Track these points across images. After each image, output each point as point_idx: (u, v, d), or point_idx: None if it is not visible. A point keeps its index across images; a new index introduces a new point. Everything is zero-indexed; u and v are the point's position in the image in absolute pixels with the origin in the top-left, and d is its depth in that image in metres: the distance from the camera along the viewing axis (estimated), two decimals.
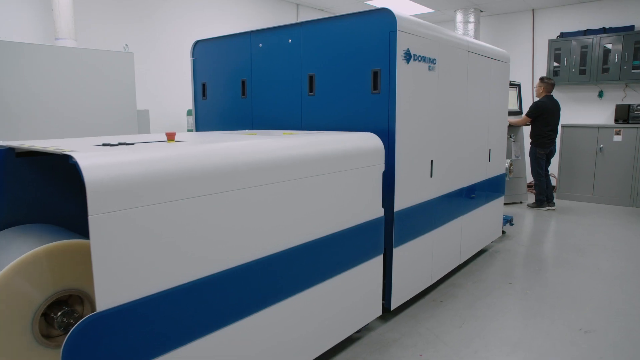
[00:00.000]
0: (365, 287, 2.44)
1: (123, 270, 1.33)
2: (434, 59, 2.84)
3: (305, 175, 1.98)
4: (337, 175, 2.16)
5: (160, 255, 1.43)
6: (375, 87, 2.58)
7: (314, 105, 2.89)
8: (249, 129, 3.33)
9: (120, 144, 1.73)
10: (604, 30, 6.68)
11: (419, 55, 2.68)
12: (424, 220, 2.92)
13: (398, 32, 2.47)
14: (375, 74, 2.57)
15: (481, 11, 7.37)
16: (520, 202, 6.46)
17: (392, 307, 2.71)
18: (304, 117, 2.96)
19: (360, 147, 2.32)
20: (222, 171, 1.61)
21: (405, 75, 2.58)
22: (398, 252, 2.68)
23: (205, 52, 3.60)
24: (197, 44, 3.66)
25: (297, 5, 7.15)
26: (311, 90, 2.88)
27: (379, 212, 2.46)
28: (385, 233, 2.60)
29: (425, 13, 7.62)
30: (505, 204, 6.28)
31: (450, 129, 3.16)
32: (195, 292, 1.54)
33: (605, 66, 6.63)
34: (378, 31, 2.53)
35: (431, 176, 2.94)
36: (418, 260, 2.91)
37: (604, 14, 6.83)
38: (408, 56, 2.58)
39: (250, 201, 1.71)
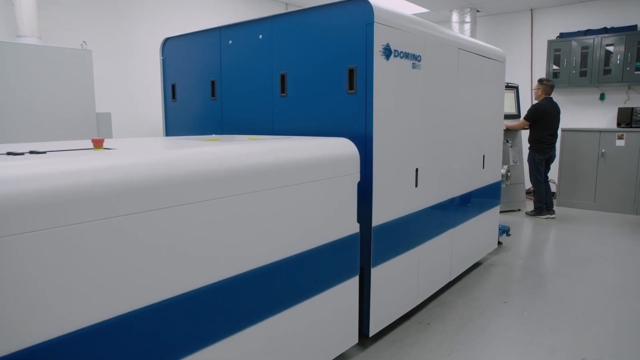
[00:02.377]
0: (339, 312, 2.15)
1: None
2: (419, 55, 2.56)
3: (263, 187, 1.70)
4: (302, 187, 1.87)
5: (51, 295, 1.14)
6: (351, 87, 2.29)
7: (286, 107, 2.60)
8: (219, 133, 3.05)
9: (31, 152, 1.44)
10: (605, 31, 6.40)
11: (401, 51, 2.40)
12: (408, 235, 2.63)
13: (376, 25, 2.19)
14: (351, 71, 2.28)
15: (478, 11, 7.11)
16: (519, 210, 6.17)
17: (371, 333, 2.42)
18: (275, 120, 2.68)
19: (331, 155, 2.04)
20: (148, 186, 1.32)
21: (385, 73, 2.30)
22: (377, 272, 2.39)
23: (175, 50, 3.32)
24: (166, 41, 3.38)
25: (287, 4, 6.89)
26: (283, 91, 2.60)
27: (354, 227, 2.17)
28: (362, 251, 2.31)
29: (419, 13, 7.35)
30: (502, 212, 6.00)
31: (439, 133, 2.87)
32: (107, 336, 1.25)
33: (606, 68, 6.34)
34: (354, 23, 2.25)
35: (416, 186, 2.65)
36: (401, 280, 2.62)
37: (605, 13, 6.56)
38: (388, 52, 2.29)
39: (188, 221, 1.42)
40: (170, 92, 3.40)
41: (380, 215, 2.35)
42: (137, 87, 5.03)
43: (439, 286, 3.08)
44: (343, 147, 2.12)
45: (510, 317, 2.91)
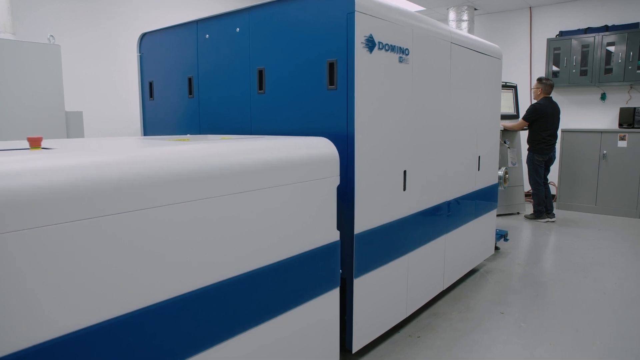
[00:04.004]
0: (317, 327, 1.96)
1: None
2: (406, 49, 2.37)
3: (226, 192, 1.51)
4: (274, 191, 1.69)
5: None
6: (331, 82, 2.11)
7: (264, 105, 2.42)
8: (196, 133, 2.87)
9: None
10: (606, 29, 6.22)
11: (386, 44, 2.21)
12: (395, 242, 2.44)
13: (357, 14, 2.01)
14: (331, 65, 2.10)
15: (475, 9, 6.93)
16: (518, 213, 5.98)
17: (355, 349, 2.23)
18: (253, 119, 2.49)
19: (308, 156, 1.85)
20: (78, 191, 1.13)
21: (368, 67, 2.11)
22: (361, 283, 2.20)
23: (153, 46, 3.14)
24: (144, 37, 3.20)
25: None
26: (261, 87, 2.42)
27: (333, 235, 1.98)
28: (343, 260, 2.13)
29: (415, 11, 7.18)
30: (500, 215, 5.81)
31: (430, 133, 2.69)
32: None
33: (608, 67, 6.16)
34: (333, 13, 2.07)
35: (404, 189, 2.46)
36: (388, 291, 2.43)
37: (606, 11, 6.38)
38: (371, 44, 2.11)
39: (127, 233, 1.24)
40: (148, 90, 3.22)
41: (363, 222, 2.17)
42: (114, 85, 4.83)
43: (430, 296, 2.89)
44: (321, 148, 1.94)
45: (507, 330, 2.72)
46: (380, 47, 2.17)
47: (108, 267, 1.19)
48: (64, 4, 4.49)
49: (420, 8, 7.02)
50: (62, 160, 1.16)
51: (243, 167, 1.59)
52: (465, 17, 6.80)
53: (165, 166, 1.34)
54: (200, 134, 2.83)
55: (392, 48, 2.26)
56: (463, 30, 6.71)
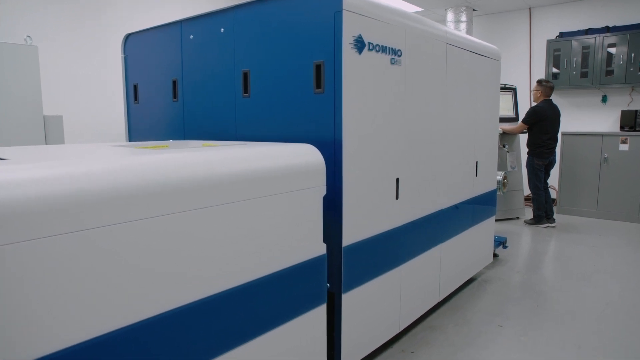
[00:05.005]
0: (303, 346, 1.83)
1: None
2: (399, 50, 2.25)
3: (201, 205, 1.39)
4: (254, 203, 1.57)
5: None
6: (318, 85, 1.99)
7: (250, 109, 2.30)
8: (181, 138, 2.75)
9: None
10: (607, 29, 6.10)
11: (377, 45, 2.09)
12: (387, 254, 2.32)
13: (345, 13, 1.89)
14: (318, 67, 1.98)
15: (474, 10, 6.82)
16: (517, 218, 5.85)
17: None
18: (238, 124, 2.37)
19: (291, 164, 1.73)
20: (18, 209, 1.01)
21: (357, 68, 1.99)
22: (350, 298, 2.08)
23: (138, 47, 3.02)
24: (128, 38, 3.08)
25: None
26: (245, 90, 2.29)
27: (320, 248, 1.86)
28: (331, 275, 2.00)
29: (413, 12, 7.06)
30: (499, 220, 5.68)
31: (424, 138, 2.57)
32: None
33: (609, 68, 6.04)
34: (320, 11, 1.95)
35: (397, 198, 2.34)
36: (380, 305, 2.30)
37: (607, 11, 6.26)
38: (360, 44, 1.99)
39: (94, 248, 1.11)
40: (133, 93, 3.10)
41: (352, 233, 2.04)
42: (98, 89, 4.68)
43: (425, 308, 2.76)
44: (306, 155, 1.81)
45: (506, 345, 2.59)
46: (371, 47, 2.05)
47: (64, 295, 1.07)
48: (42, 3, 4.32)
49: (418, 9, 6.91)
50: (11, 173, 1.04)
51: (218, 178, 1.46)
52: (463, 18, 6.69)
53: (123, 179, 1.21)
54: (184, 139, 2.71)
55: (384, 49, 2.14)
56: (461, 32, 6.60)
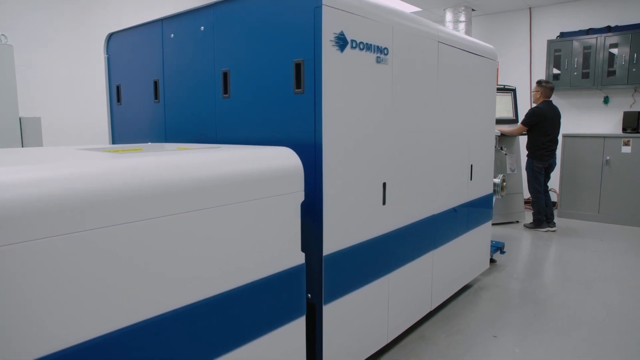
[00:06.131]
0: None
1: None
2: (385, 48, 2.14)
3: (166, 212, 1.29)
4: (225, 210, 1.46)
5: None
6: (298, 85, 1.89)
7: (230, 110, 2.20)
8: (162, 141, 2.65)
9: None
10: (608, 29, 5.98)
11: (361, 42, 1.99)
12: (373, 262, 2.20)
13: (325, 8, 1.78)
14: (298, 66, 1.87)
15: (473, 10, 6.71)
16: (517, 222, 5.73)
17: None
18: (218, 126, 2.27)
19: (266, 169, 1.62)
20: None
21: (339, 67, 1.89)
22: (332, 309, 1.97)
23: (120, 47, 2.93)
24: (111, 37, 2.99)
25: None
26: (225, 91, 2.19)
27: (297, 258, 1.75)
28: (312, 285, 1.90)
29: (411, 12, 6.95)
30: (499, 223, 5.56)
31: (414, 141, 2.46)
32: None
33: (611, 69, 5.92)
34: (300, 7, 1.85)
35: (384, 204, 2.23)
36: (366, 316, 2.19)
37: (608, 11, 6.14)
38: (342, 42, 1.88)
39: (62, 259, 1.01)
40: (115, 94, 3.00)
41: (334, 241, 1.93)
42: (80, 89, 4.55)
43: (416, 318, 2.64)
44: (281, 159, 1.71)
45: (499, 357, 2.48)
46: (354, 45, 1.95)
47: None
48: (17, 1, 4.15)
49: (416, 9, 6.81)
50: None
51: (184, 184, 1.36)
52: (462, 18, 6.58)
53: (74, 186, 1.11)
54: (166, 142, 2.61)
55: (369, 47, 2.03)
56: (460, 32, 6.49)
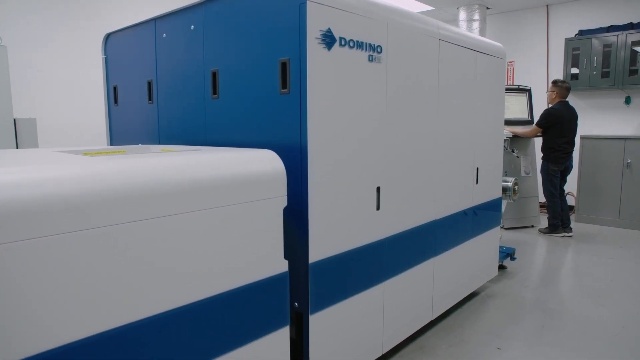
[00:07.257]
0: None
1: None
2: (379, 46, 2.05)
3: (140, 217, 1.23)
4: (202, 215, 1.40)
5: None
6: (284, 85, 1.81)
7: (219, 111, 2.14)
8: (155, 142, 2.61)
9: None
10: (631, 26, 5.73)
11: (350, 40, 1.90)
12: (366, 269, 2.11)
13: (309, 4, 1.70)
14: (284, 65, 1.80)
15: (487, 8, 6.53)
16: (532, 226, 5.53)
17: None
18: (208, 127, 2.21)
19: (246, 172, 1.55)
20: None
21: (327, 66, 1.80)
22: (320, 318, 1.88)
23: (117, 47, 2.91)
24: (108, 37, 2.97)
25: None
26: (214, 92, 2.13)
27: (280, 266, 1.67)
28: (298, 293, 1.82)
29: (424, 11, 6.82)
30: (512, 228, 5.38)
31: (411, 143, 2.35)
32: None
33: (633, 68, 5.67)
34: (286, 4, 1.77)
35: (378, 209, 2.13)
36: (358, 326, 2.10)
37: (630, 6, 5.89)
38: (329, 39, 1.80)
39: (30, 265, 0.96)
40: (113, 95, 2.98)
41: (321, 248, 1.85)
42: (77, 90, 4.53)
43: (415, 328, 2.53)
44: (263, 162, 1.63)
45: None
46: (343, 43, 1.86)
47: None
48: (11, 1, 4.11)
49: (429, 8, 6.67)
50: None
51: (155, 188, 1.30)
52: (476, 16, 6.40)
53: (41, 190, 1.06)
54: (159, 143, 2.57)
55: (359, 45, 1.94)
56: (474, 31, 6.32)
